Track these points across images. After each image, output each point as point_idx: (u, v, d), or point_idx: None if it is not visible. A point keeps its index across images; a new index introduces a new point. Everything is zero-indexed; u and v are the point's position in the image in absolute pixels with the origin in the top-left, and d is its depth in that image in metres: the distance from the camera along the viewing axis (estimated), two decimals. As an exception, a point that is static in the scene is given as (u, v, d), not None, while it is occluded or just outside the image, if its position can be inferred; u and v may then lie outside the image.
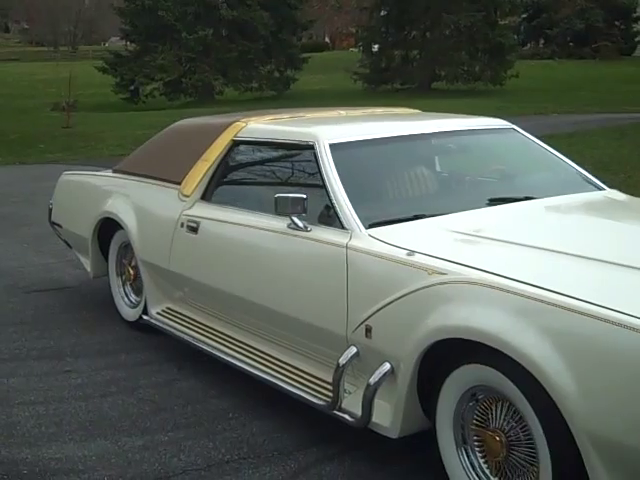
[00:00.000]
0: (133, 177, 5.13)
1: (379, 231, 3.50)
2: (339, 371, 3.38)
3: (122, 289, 5.37)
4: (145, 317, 4.87)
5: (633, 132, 15.06)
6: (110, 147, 15.79)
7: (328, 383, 3.58)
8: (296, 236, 3.72)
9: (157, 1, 25.27)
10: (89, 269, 5.58)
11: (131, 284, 5.32)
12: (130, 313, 5.24)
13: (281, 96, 27.91)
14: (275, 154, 4.31)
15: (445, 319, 3.00)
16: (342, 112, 4.87)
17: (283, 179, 4.20)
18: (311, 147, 3.92)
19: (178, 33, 25.83)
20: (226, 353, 4.17)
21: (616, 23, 42.71)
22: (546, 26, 41.34)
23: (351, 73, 28.19)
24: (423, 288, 3.11)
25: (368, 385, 3.24)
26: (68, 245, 6.07)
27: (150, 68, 26.03)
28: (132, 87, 26.71)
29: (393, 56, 28.51)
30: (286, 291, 3.74)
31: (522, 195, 3.98)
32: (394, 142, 4.11)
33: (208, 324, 4.47)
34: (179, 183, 4.65)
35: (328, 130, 4.06)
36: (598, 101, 23.03)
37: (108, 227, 5.28)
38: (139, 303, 5.17)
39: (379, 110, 5.07)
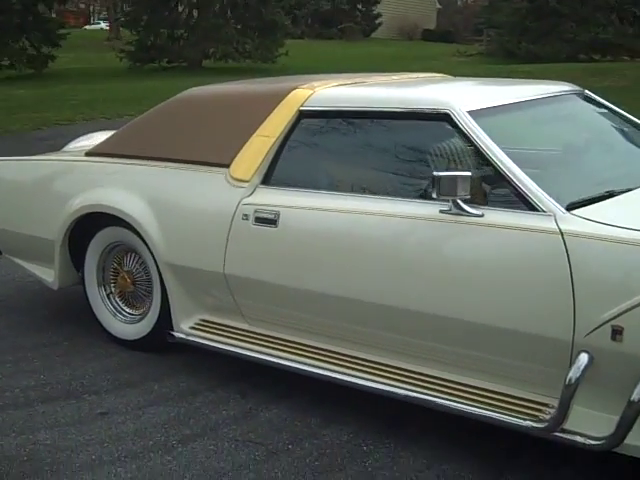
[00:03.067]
0: (132, 161, 4.07)
1: (586, 212, 2.92)
2: (572, 386, 2.77)
3: (109, 302, 4.30)
4: (178, 335, 3.88)
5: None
6: None
7: (521, 399, 2.99)
8: (465, 223, 3.03)
9: None
10: (51, 279, 4.41)
11: (122, 295, 4.27)
12: (129, 331, 4.20)
13: (40, 75, 25.56)
14: (373, 126, 3.51)
15: None
16: (395, 77, 4.17)
17: (398, 156, 3.45)
18: (444, 116, 3.22)
19: None
20: (338, 372, 3.38)
21: (358, 6, 44.12)
22: (295, 7, 41.69)
23: (118, 51, 26.49)
24: None
25: (631, 402, 2.67)
26: (-1, 251, 4.81)
27: None
28: None
29: (159, 33, 27.12)
30: (461, 292, 3.04)
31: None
32: (528, 107, 3.53)
33: (284, 337, 3.64)
34: (225, 165, 3.72)
35: (460, 95, 3.38)
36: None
37: (85, 226, 4.20)
38: (141, 317, 4.16)
39: (422, 75, 4.43)
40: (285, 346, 3.62)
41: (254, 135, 3.70)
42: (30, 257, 4.57)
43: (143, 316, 4.15)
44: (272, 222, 3.50)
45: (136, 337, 4.17)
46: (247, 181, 3.64)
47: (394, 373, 3.26)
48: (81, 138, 5.25)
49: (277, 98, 3.73)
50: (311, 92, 3.68)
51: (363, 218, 3.28)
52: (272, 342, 3.67)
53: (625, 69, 23.80)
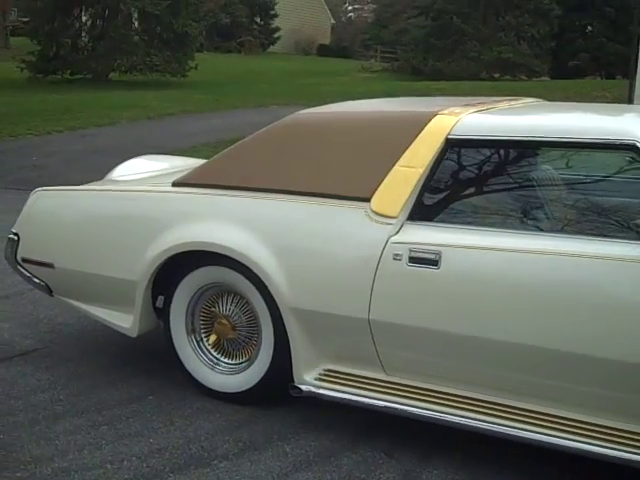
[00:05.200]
0: (239, 193, 3.66)
1: None
2: None
3: (201, 352, 3.85)
4: (305, 387, 3.48)
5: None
6: None
7: None
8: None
9: None
10: (128, 325, 3.92)
11: (217, 342, 3.83)
12: (229, 383, 3.77)
13: None
14: (540, 156, 3.26)
15: None
16: (512, 103, 3.92)
17: (575, 189, 3.20)
18: (630, 147, 2.98)
19: None
20: (502, 425, 3.09)
21: (257, 19, 43.89)
22: (194, 19, 40.99)
23: (19, 61, 25.18)
24: None
25: None
26: (48, 291, 4.26)
27: None
28: None
29: (62, 43, 25.95)
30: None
31: None
32: None
33: (429, 387, 3.32)
34: (364, 199, 3.37)
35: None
36: (292, 94, 23.06)
37: (173, 265, 3.75)
38: (245, 367, 3.74)
39: (528, 100, 4.17)
40: (433, 397, 3.30)
41: (396, 166, 3.37)
42: (97, 300, 4.06)
43: (247, 366, 3.73)
44: (433, 262, 3.18)
45: (237, 390, 3.74)
46: (394, 217, 3.31)
47: (575, 427, 3.00)
48: (125, 165, 4.76)
49: (417, 125, 3.42)
50: (456, 119, 3.38)
51: (546, 258, 3.00)
52: (416, 393, 3.34)
53: (531, 88, 24.46)
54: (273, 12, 44.22)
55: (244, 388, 3.72)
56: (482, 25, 30.54)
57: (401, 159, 3.37)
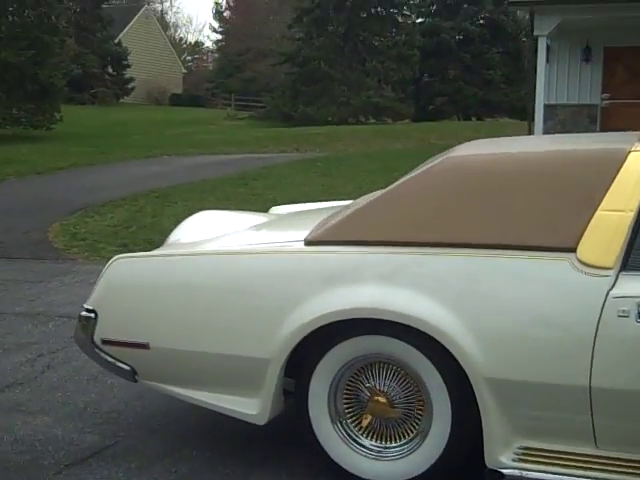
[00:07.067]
0: (396, 249, 3.14)
1: None
2: None
3: (345, 435, 3.28)
4: (507, 471, 2.98)
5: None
6: None
7: None
8: None
9: None
10: (255, 411, 3.28)
11: (369, 425, 3.27)
12: (394, 471, 3.21)
13: None
14: None
15: None
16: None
17: None
18: None
19: None
20: None
21: (109, 70, 42.72)
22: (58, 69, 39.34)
23: None
24: None
25: None
26: (131, 376, 3.55)
27: None
28: None
29: None
30: None
31: None
32: None
33: None
34: (568, 249, 2.95)
35: None
36: (172, 144, 22.31)
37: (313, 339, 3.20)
38: (410, 450, 3.20)
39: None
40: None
41: (599, 210, 2.98)
42: (205, 383, 3.41)
43: (413, 449, 3.20)
44: (669, 317, 2.79)
45: (402, 477, 3.20)
46: (610, 268, 2.91)
47: None
48: (188, 224, 4.15)
49: (612, 164, 3.06)
50: (654, 154, 3.05)
51: None
52: (633, 467, 2.93)
53: (409, 131, 25.02)
54: (126, 62, 43.15)
55: (409, 476, 3.18)
56: (348, 71, 30.97)
57: (603, 202, 2.99)
